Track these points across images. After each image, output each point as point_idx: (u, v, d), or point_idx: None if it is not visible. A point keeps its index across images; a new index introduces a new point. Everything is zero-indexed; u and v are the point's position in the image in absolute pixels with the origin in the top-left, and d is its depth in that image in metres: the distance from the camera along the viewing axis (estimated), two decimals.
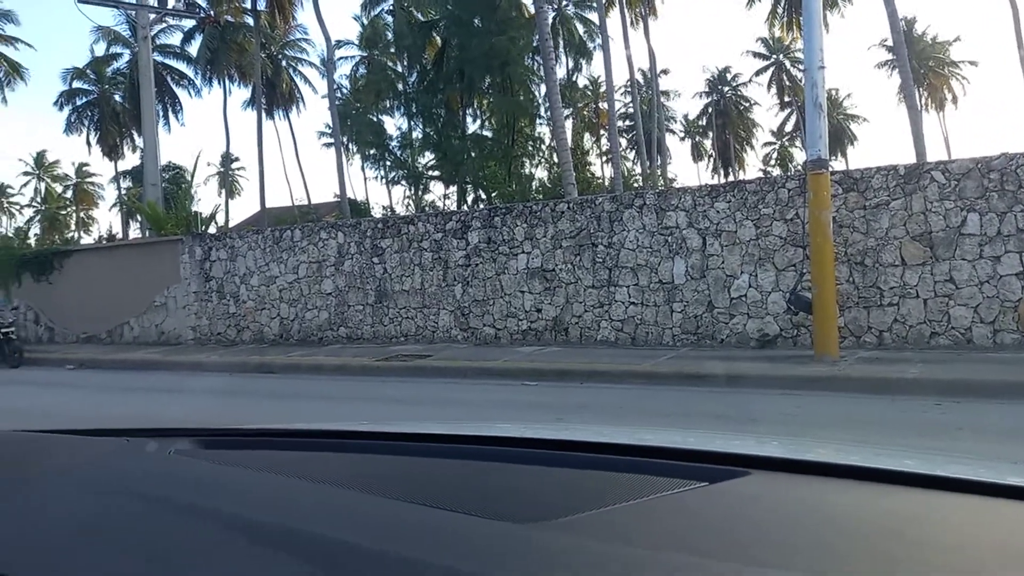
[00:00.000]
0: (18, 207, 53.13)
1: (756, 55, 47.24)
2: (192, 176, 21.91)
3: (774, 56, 46.52)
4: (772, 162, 51.92)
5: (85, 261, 15.62)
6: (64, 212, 52.90)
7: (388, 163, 30.99)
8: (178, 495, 0.86)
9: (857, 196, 8.51)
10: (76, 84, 37.26)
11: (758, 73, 47.87)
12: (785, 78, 46.38)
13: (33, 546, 0.76)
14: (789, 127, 49.66)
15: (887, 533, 0.72)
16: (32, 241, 28.23)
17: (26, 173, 52.33)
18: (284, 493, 0.89)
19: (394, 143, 30.26)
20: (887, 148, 67.96)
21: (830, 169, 8.05)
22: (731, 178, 44.96)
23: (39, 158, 52.21)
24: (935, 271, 8.14)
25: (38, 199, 52.58)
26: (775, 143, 52.48)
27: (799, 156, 47.63)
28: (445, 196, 31.19)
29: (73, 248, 18.09)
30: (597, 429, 1.36)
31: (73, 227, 52.24)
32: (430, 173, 29.74)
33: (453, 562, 0.62)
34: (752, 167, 51.89)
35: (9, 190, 52.89)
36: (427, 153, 28.98)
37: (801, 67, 41.98)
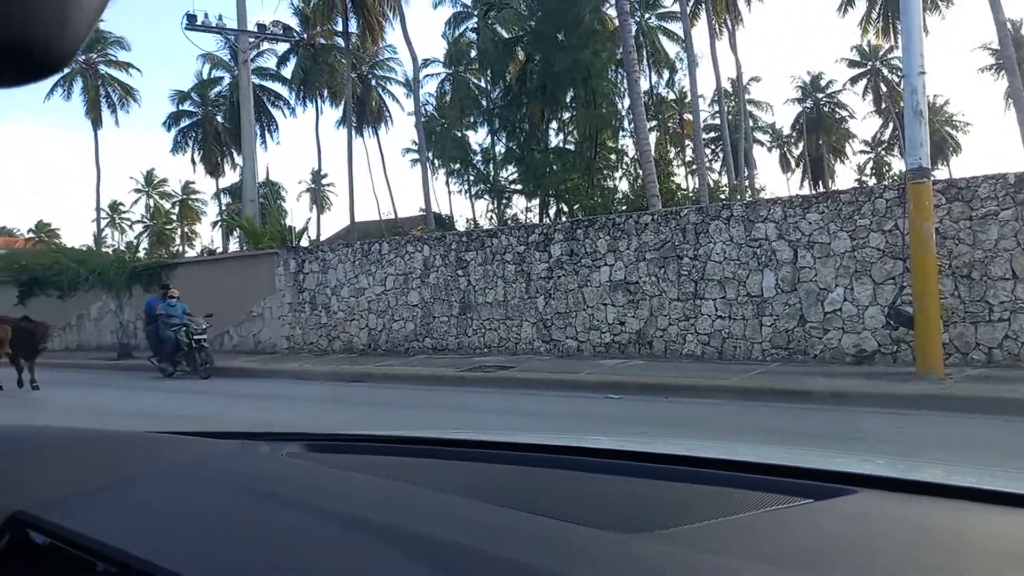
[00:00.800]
0: (129, 223, 56.93)
1: (851, 63, 45.44)
2: (263, 188, 22.33)
3: (869, 63, 44.66)
4: (868, 172, 49.73)
5: (189, 273, 16.54)
6: (170, 227, 56.24)
7: (471, 177, 31.49)
8: (290, 493, 0.91)
9: (962, 206, 8.06)
10: (182, 106, 39.70)
11: (853, 81, 46.02)
12: (882, 85, 44.42)
13: (162, 534, 0.82)
14: (886, 136, 47.49)
15: (1004, 556, 0.68)
16: (141, 254, 30.12)
17: (137, 190, 56.05)
18: (391, 495, 0.92)
19: (477, 157, 30.76)
20: (993, 157, 63.89)
21: (932, 178, 7.67)
22: (821, 189, 43.35)
23: (149, 176, 55.80)
24: None
25: (146, 215, 56.14)
26: (870, 152, 50.27)
27: (897, 166, 45.45)
28: (527, 209, 31.41)
29: (178, 261, 19.21)
30: (694, 443, 1.35)
31: (178, 241, 55.50)
32: (512, 187, 30.03)
33: (564, 569, 0.62)
34: (843, 178, 49.92)
35: (121, 207, 56.71)
36: (509, 167, 29.29)
37: (899, 73, 40.23)
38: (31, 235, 53.33)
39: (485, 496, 0.88)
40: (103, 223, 48.61)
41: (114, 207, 55.66)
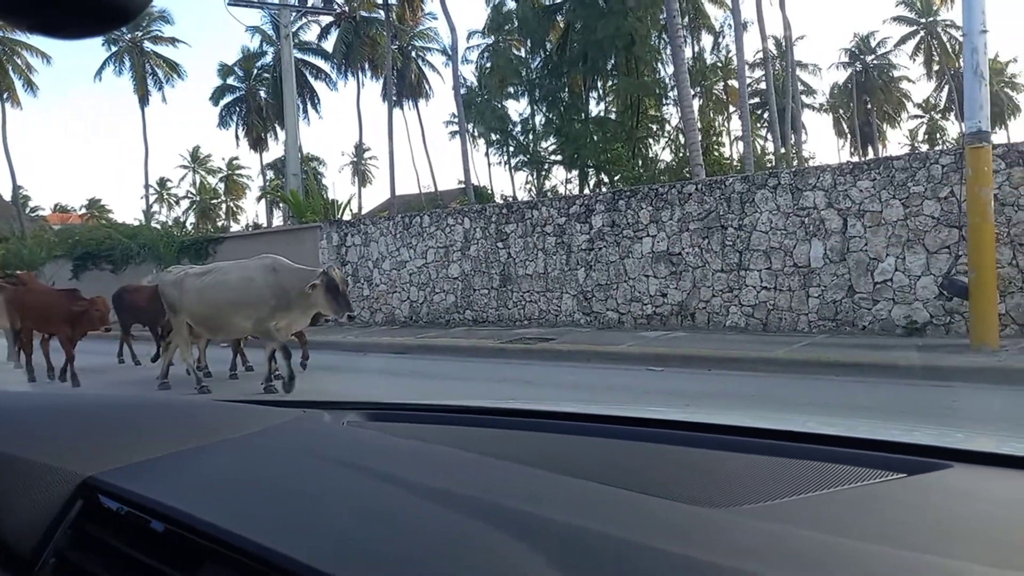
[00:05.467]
0: (176, 198, 58.17)
1: (900, 20, 43.59)
2: (306, 163, 22.10)
3: (923, 20, 42.82)
4: (921, 137, 47.97)
5: (235, 247, 16.84)
6: (216, 202, 57.32)
7: (511, 148, 31.30)
8: (355, 460, 0.92)
9: (1023, 171, 7.74)
10: (226, 80, 40.14)
11: (903, 40, 44.22)
12: (935, 45, 42.60)
13: (233, 500, 0.84)
14: (940, 99, 45.67)
15: None
16: (189, 229, 30.80)
17: (183, 166, 57.19)
18: (454, 463, 0.93)
19: (517, 128, 30.53)
20: None
21: (992, 143, 7.36)
22: (870, 156, 41.94)
23: (195, 152, 56.86)
24: None
25: (193, 190, 57.29)
26: (923, 117, 48.43)
27: (952, 131, 43.76)
28: (567, 180, 31.14)
29: (225, 235, 19.59)
30: (765, 415, 1.32)
31: (224, 216, 56.56)
32: (552, 158, 29.78)
33: (655, 543, 0.60)
34: (895, 144, 48.20)
35: (169, 182, 57.95)
36: (550, 138, 29.02)
37: (955, 31, 38.50)
38: (84, 211, 54.90)
39: (556, 467, 0.87)
40: (151, 199, 49.71)
41: (162, 183, 56.86)
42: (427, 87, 38.39)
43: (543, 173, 31.06)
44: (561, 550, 0.61)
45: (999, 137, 35.95)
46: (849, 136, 48.36)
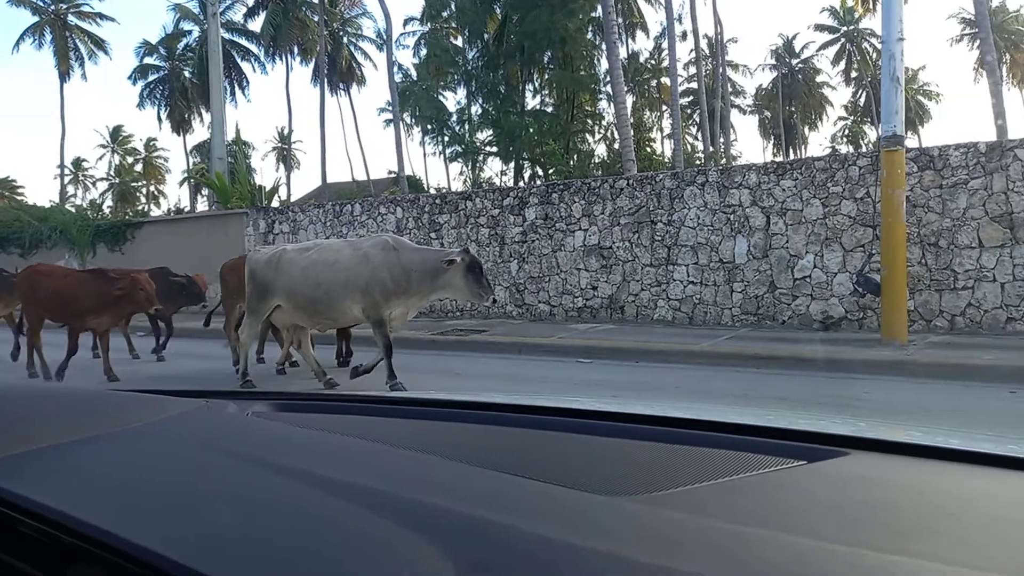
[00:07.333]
0: (92, 180, 55.35)
1: (822, 28, 45.28)
2: (232, 146, 20.96)
3: (844, 28, 44.60)
4: (841, 140, 50.01)
5: (155, 233, 16.21)
6: (136, 185, 54.84)
7: (446, 139, 31.11)
8: (258, 452, 0.89)
9: (933, 175, 8.15)
10: (148, 59, 38.45)
11: (824, 47, 45.96)
12: (855, 51, 44.44)
13: (111, 494, 0.78)
14: (858, 104, 47.68)
15: (996, 517, 0.68)
16: (106, 212, 29.41)
17: (102, 146, 54.38)
18: (356, 453, 0.90)
19: (453, 119, 30.37)
20: (963, 128, 64.47)
21: (905, 146, 7.72)
22: (792, 157, 43.46)
23: (115, 132, 54.13)
24: (1015, 254, 7.77)
25: (112, 172, 54.62)
26: (847, 119, 50.47)
27: (871, 135, 45.77)
28: (502, 172, 31.20)
29: (144, 220, 18.78)
30: (677, 405, 1.33)
31: (144, 200, 54.18)
32: (488, 149, 29.76)
33: (555, 533, 0.60)
34: (817, 145, 50.10)
35: (85, 163, 55.05)
36: (486, 129, 28.99)
37: (874, 39, 40.27)
38: None
39: (462, 456, 0.86)
40: (67, 180, 47.22)
41: (77, 164, 54.01)
42: (359, 73, 37.69)
43: (478, 164, 31.03)
44: (459, 541, 0.60)
45: (912, 142, 37.89)
46: (773, 137, 49.98)
